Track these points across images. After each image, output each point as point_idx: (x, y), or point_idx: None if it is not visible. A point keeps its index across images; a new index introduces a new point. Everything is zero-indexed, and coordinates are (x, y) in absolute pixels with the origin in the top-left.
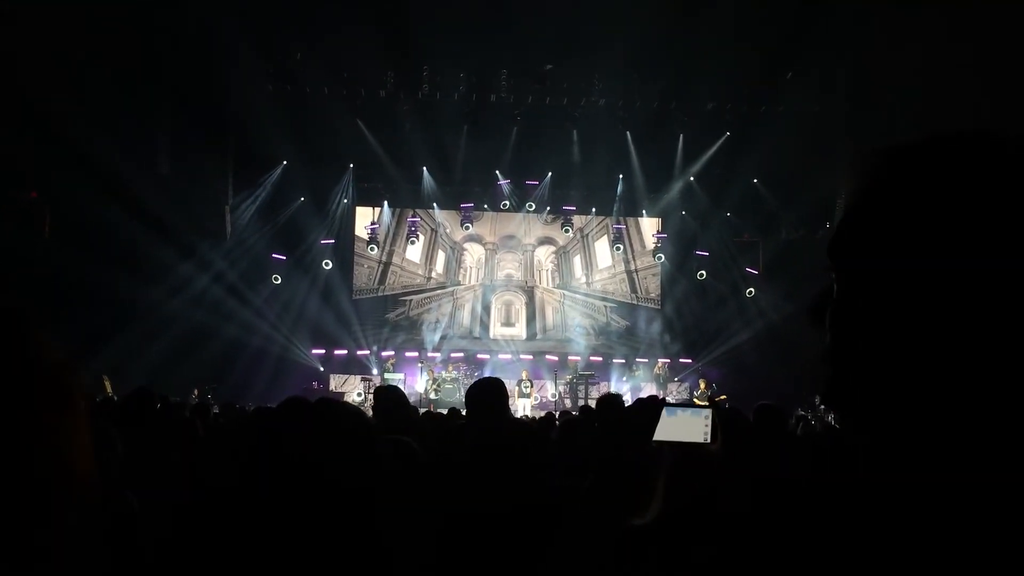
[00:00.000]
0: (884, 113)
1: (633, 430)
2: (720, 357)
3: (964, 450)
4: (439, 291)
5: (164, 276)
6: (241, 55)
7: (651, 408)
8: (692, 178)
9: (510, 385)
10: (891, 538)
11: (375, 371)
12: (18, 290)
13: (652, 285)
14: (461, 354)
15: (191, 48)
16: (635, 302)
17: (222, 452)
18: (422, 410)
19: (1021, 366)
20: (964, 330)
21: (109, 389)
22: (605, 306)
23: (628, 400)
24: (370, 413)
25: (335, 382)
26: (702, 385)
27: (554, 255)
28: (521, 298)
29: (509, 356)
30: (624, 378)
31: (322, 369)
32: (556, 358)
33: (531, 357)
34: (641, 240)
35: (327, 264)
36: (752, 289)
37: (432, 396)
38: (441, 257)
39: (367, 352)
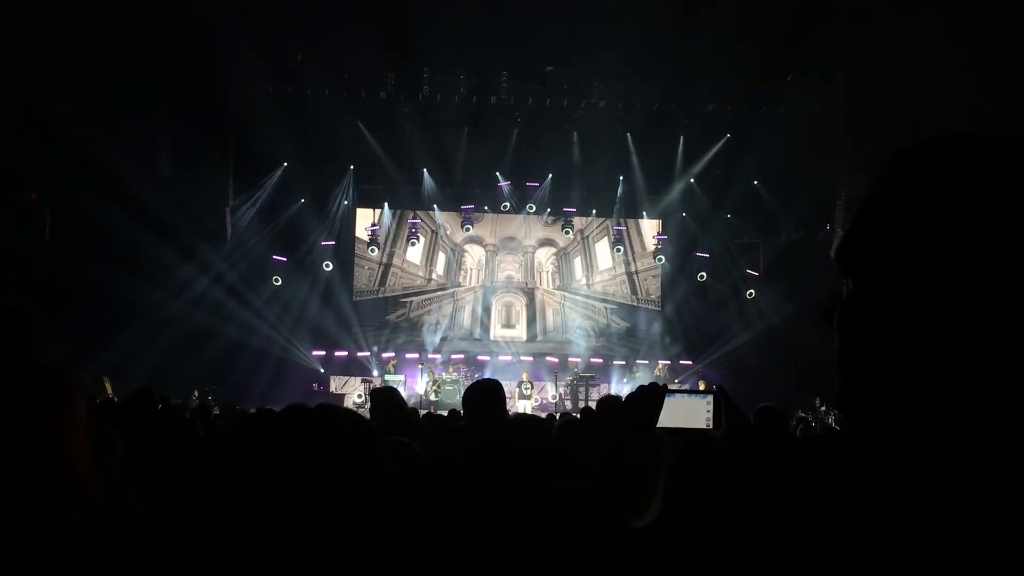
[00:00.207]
0: (884, 113)
1: (635, 419)
2: (720, 359)
3: (978, 451)
4: (439, 293)
5: (164, 277)
6: (241, 56)
7: (653, 394)
8: (692, 179)
9: (511, 387)
10: (891, 539)
11: (376, 372)
12: (18, 290)
13: (652, 287)
14: (461, 356)
15: (191, 48)
16: (635, 304)
17: (222, 452)
18: (422, 412)
19: None
20: (976, 330)
21: (109, 390)
22: (605, 308)
23: None
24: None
25: (335, 383)
26: (702, 387)
27: (554, 256)
28: (521, 300)
29: (509, 358)
30: (624, 380)
31: (322, 370)
32: (556, 360)
33: (531, 359)
34: (641, 241)
35: (327, 265)
36: (752, 291)
37: (432, 397)
38: (441, 259)
39: (367, 354)
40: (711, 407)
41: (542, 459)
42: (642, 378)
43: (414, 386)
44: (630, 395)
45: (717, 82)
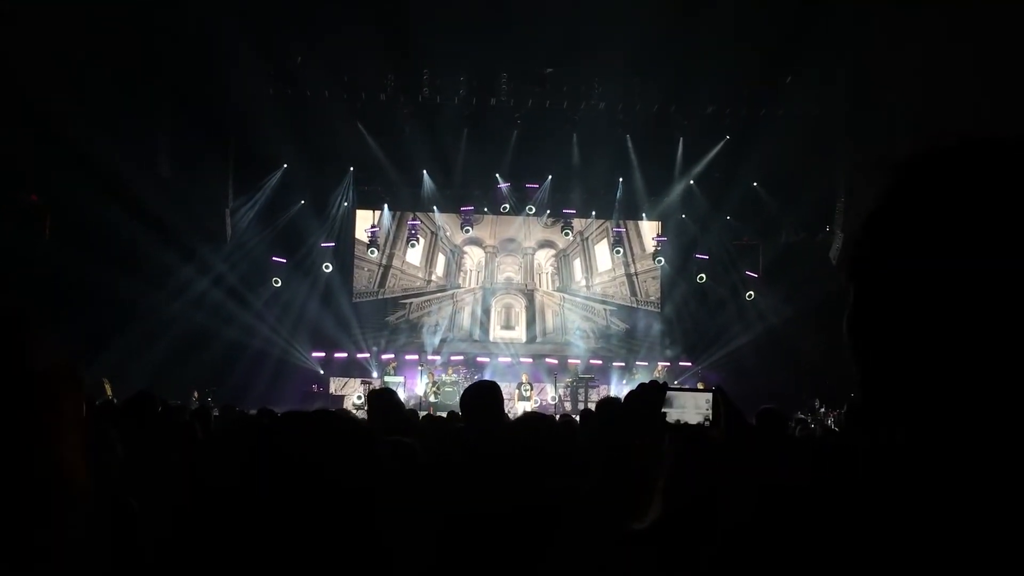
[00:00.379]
0: (884, 113)
1: (636, 416)
2: (720, 360)
3: (998, 453)
4: (439, 294)
5: (164, 278)
6: (241, 56)
7: (654, 392)
8: (692, 181)
9: (510, 388)
10: (892, 539)
11: (375, 374)
12: (18, 291)
13: (652, 288)
14: (461, 357)
15: (191, 48)
16: (635, 305)
17: (222, 453)
18: (422, 413)
19: None
20: (997, 332)
21: (109, 392)
22: (605, 309)
23: None
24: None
25: (335, 385)
26: (700, 387)
27: (554, 258)
28: (521, 301)
29: (509, 359)
30: (624, 381)
31: (322, 372)
32: (556, 361)
33: (531, 360)
34: (641, 243)
35: (327, 267)
36: (752, 292)
37: (432, 399)
38: (441, 260)
39: (367, 355)
40: (709, 405)
41: (552, 459)
42: (641, 379)
43: (414, 387)
44: (631, 392)
45: (717, 84)
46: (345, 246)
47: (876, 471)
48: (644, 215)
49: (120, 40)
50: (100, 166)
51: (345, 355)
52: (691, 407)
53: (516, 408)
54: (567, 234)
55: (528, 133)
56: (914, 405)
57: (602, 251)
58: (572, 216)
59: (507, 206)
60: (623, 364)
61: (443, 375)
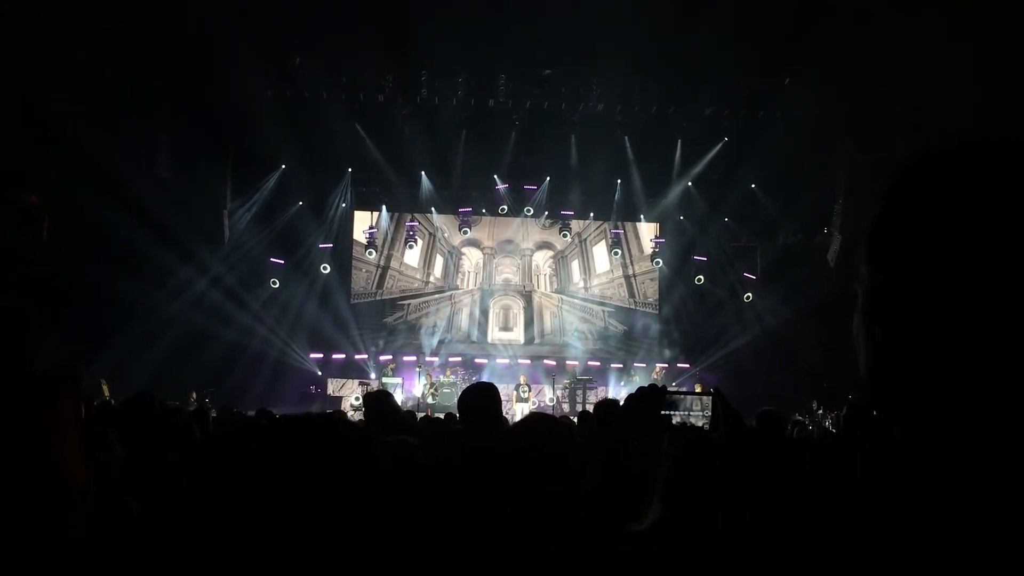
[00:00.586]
0: (884, 113)
1: (635, 419)
2: (718, 362)
3: (998, 453)
4: (437, 295)
5: (163, 279)
6: (240, 57)
7: (653, 395)
8: (690, 183)
9: (508, 389)
10: (892, 539)
11: (373, 375)
12: (18, 291)
13: (650, 290)
14: (459, 358)
15: (191, 49)
16: (633, 307)
17: (220, 453)
18: (420, 414)
19: None
20: (997, 332)
21: (107, 393)
22: (603, 311)
23: None
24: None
25: (333, 386)
26: (698, 389)
27: (552, 259)
28: (519, 302)
29: (507, 360)
30: (622, 383)
31: (320, 373)
32: (554, 362)
33: (529, 361)
34: (639, 245)
35: (325, 268)
36: (750, 294)
37: (430, 400)
38: (439, 261)
39: (365, 356)
40: (708, 408)
41: (551, 459)
42: (639, 381)
43: (411, 389)
44: (630, 396)
45: (715, 85)
46: (343, 247)
47: (875, 471)
48: (642, 216)
49: (120, 40)
50: (100, 166)
51: (343, 356)
52: (691, 410)
53: (514, 410)
54: (565, 235)
55: (526, 134)
56: (918, 401)
57: (600, 252)
58: (570, 217)
59: (505, 207)
60: (621, 366)
61: (441, 376)
